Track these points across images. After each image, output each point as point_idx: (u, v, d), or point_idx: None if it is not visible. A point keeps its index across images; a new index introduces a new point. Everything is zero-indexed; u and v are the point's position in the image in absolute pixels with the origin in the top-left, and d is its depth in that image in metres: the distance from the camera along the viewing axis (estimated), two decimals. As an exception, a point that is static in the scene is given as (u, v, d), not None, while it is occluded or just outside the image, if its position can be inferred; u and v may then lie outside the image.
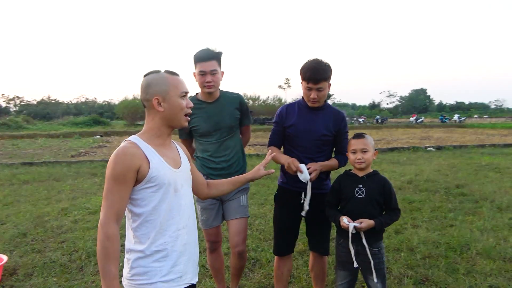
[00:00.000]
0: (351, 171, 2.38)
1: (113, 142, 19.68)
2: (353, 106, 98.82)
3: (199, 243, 1.80)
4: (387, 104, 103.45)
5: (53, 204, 6.05)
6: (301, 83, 2.44)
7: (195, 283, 1.68)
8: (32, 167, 10.15)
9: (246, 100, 2.85)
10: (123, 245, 1.63)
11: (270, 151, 2.22)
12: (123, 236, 1.61)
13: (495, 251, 3.77)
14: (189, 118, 1.66)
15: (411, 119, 45.67)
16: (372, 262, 2.24)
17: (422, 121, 43.39)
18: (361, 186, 2.28)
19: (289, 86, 74.51)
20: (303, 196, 2.49)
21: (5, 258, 3.28)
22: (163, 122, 1.59)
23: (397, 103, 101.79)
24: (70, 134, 25.23)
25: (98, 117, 40.05)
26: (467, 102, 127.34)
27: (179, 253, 1.58)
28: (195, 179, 1.83)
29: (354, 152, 2.29)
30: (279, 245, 2.69)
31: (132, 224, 1.55)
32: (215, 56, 2.50)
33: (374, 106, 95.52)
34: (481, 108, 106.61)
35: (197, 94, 2.68)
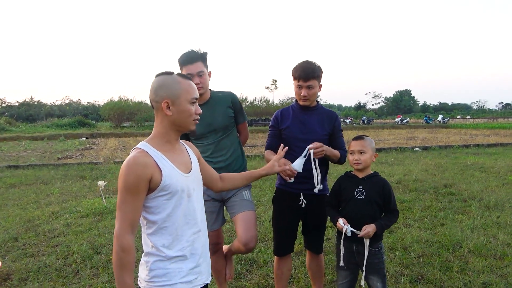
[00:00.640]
0: (352, 172, 2.42)
1: (99, 144, 19.44)
2: (339, 107, 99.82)
3: None
4: (373, 105, 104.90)
5: (42, 207, 5.95)
6: (293, 83, 2.53)
7: (208, 282, 1.70)
8: (18, 170, 9.96)
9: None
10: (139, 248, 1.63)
11: (282, 145, 2.17)
12: (139, 237, 1.63)
13: (486, 249, 3.87)
14: (197, 122, 1.64)
15: (397, 119, 46.35)
16: (365, 261, 2.28)
17: (407, 122, 44.12)
18: (360, 187, 2.32)
19: (276, 87, 74.79)
20: (301, 198, 2.54)
21: (-1, 263, 3.22)
22: (171, 126, 1.58)
23: (382, 104, 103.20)
24: (55, 136, 24.82)
25: (83, 119, 39.40)
26: (450, 103, 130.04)
27: (196, 255, 1.60)
28: (208, 174, 1.84)
29: (352, 153, 2.34)
30: (279, 246, 2.72)
31: (147, 231, 1.55)
32: (201, 57, 2.47)
33: (359, 107, 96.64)
34: (463, 109, 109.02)
35: None
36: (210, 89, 2.64)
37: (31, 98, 76.71)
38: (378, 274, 2.34)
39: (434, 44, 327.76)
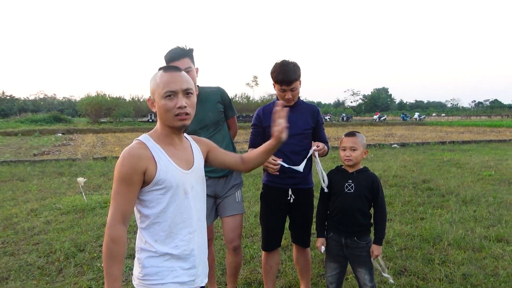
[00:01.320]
0: (342, 167, 2.46)
1: (77, 140, 18.99)
2: (319, 104, 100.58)
3: None
4: (351, 102, 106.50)
5: (20, 205, 5.78)
6: (274, 85, 2.54)
7: (204, 285, 1.66)
8: (-8, 167, 9.63)
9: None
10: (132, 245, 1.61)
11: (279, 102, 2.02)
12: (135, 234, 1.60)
13: (465, 242, 4.01)
14: (182, 118, 1.50)
15: (375, 117, 47.23)
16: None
17: (385, 119, 44.99)
18: (350, 181, 2.37)
19: (257, 84, 74.81)
20: (290, 193, 2.59)
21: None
22: (163, 122, 1.54)
23: (361, 101, 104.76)
24: (29, 132, 24.11)
25: (59, 114, 38.38)
26: (425, 101, 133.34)
27: (192, 256, 1.56)
28: (230, 160, 1.81)
29: (344, 149, 2.38)
30: (268, 241, 2.75)
31: (141, 224, 1.53)
32: (187, 54, 2.46)
33: (338, 104, 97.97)
34: (438, 107, 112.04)
35: None
36: (198, 85, 2.63)
37: (3, 93, 74.20)
38: (366, 266, 2.40)
39: (410, 43, 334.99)
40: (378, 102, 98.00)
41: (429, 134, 20.90)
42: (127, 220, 1.45)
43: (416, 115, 50.75)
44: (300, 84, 2.55)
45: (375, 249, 2.34)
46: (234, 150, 2.80)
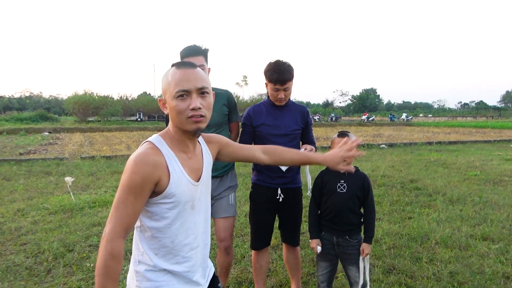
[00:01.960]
0: (333, 167, 2.49)
1: (64, 139, 18.73)
2: (308, 104, 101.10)
3: None
4: (340, 102, 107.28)
5: (6, 204, 5.69)
6: (266, 84, 2.56)
7: None
8: (-23, 166, 9.44)
9: None
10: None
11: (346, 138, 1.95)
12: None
13: (451, 240, 4.09)
14: (197, 120, 1.33)
15: (363, 117, 47.61)
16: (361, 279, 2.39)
17: (373, 120, 45.42)
18: (342, 181, 2.40)
19: (246, 83, 74.79)
20: (279, 192, 2.62)
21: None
22: (175, 125, 1.37)
23: (349, 102, 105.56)
24: (14, 130, 23.67)
25: (45, 113, 37.75)
26: (413, 102, 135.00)
27: (191, 273, 1.43)
28: (247, 154, 1.68)
29: None
30: (257, 239, 2.77)
31: (141, 234, 1.38)
32: (203, 52, 2.49)
33: (327, 105, 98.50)
34: (425, 108, 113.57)
35: None
36: None
37: (-13, 90, 72.58)
38: (357, 264, 2.43)
39: (398, 44, 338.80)
40: (366, 103, 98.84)
41: (416, 135, 21.18)
42: (128, 233, 1.28)
43: (404, 115, 51.38)
44: (292, 84, 2.58)
45: (366, 248, 2.37)
46: None
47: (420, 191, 6.59)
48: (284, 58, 2.54)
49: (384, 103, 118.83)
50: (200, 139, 1.55)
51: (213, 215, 2.72)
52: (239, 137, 2.75)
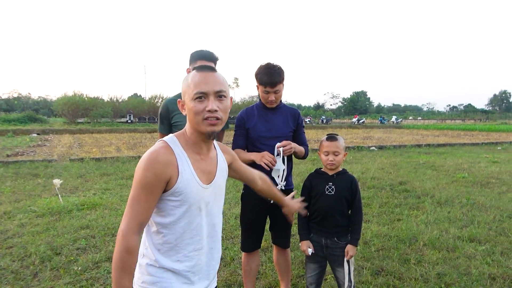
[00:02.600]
0: (321, 169, 2.50)
1: (52, 140, 18.52)
2: (299, 106, 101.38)
3: None
4: (331, 105, 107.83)
5: (-7, 207, 5.60)
6: (257, 87, 2.59)
7: None
8: (-37, 168, 9.28)
9: None
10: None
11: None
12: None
13: (439, 242, 4.14)
14: (212, 122, 1.37)
15: (354, 120, 47.92)
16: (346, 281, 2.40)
17: (363, 122, 45.73)
18: (331, 184, 2.41)
19: (237, 85, 74.69)
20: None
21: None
22: (192, 126, 1.41)
23: (340, 104, 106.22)
24: (2, 132, 23.30)
25: (34, 114, 37.32)
26: (402, 105, 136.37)
27: (192, 273, 1.45)
28: (248, 175, 1.80)
29: (326, 154, 2.41)
30: (248, 241, 2.77)
31: (147, 228, 1.44)
32: (215, 59, 2.61)
33: (318, 107, 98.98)
34: (415, 110, 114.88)
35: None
36: None
37: (-26, 91, 71.49)
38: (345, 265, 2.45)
39: (389, 47, 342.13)
40: (357, 105, 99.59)
41: (406, 137, 21.39)
42: (142, 229, 1.34)
43: (394, 118, 51.97)
44: (283, 86, 2.60)
45: (350, 250, 2.38)
46: None
47: (409, 193, 6.65)
48: (275, 61, 2.57)
49: (375, 105, 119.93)
50: (217, 146, 1.60)
51: None
52: (232, 140, 2.73)
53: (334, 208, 2.39)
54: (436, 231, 4.48)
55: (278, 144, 2.50)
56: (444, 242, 4.15)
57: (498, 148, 15.58)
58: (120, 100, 43.06)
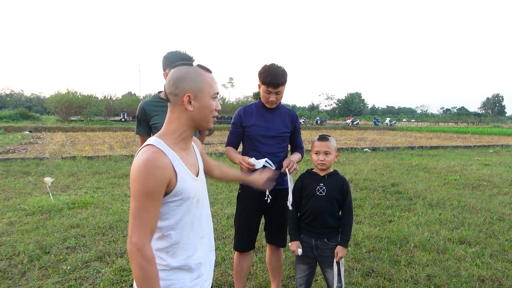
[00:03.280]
0: (313, 170, 2.50)
1: (45, 138, 18.36)
2: (293, 107, 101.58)
3: None
4: (325, 106, 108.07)
5: (-18, 205, 5.53)
6: (259, 86, 2.60)
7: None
8: (-48, 165, 9.16)
9: None
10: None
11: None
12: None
13: (430, 244, 4.16)
14: (215, 120, 1.50)
15: (348, 121, 48.10)
16: (335, 281, 2.39)
17: (357, 124, 45.94)
18: (322, 184, 2.41)
19: (232, 85, 74.61)
20: (267, 193, 2.62)
21: None
22: (190, 123, 1.43)
23: (335, 105, 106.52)
24: (-7, 129, 23.07)
25: (26, 111, 36.89)
26: (396, 107, 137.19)
27: (200, 265, 1.49)
28: (208, 163, 1.81)
29: (317, 153, 2.41)
30: (242, 241, 2.76)
31: None
32: (192, 61, 2.55)
33: (313, 108, 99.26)
34: (408, 113, 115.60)
35: (159, 92, 2.65)
36: None
37: (-34, 87, 70.70)
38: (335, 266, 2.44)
39: (384, 49, 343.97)
40: (351, 107, 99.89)
41: (399, 139, 21.49)
42: (152, 236, 1.34)
43: (387, 120, 52.24)
44: (284, 89, 2.62)
45: (340, 251, 2.38)
46: None
47: (401, 195, 6.68)
48: (269, 61, 2.58)
49: (369, 107, 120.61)
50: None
51: None
52: (227, 136, 2.77)
53: (324, 209, 2.39)
54: (427, 233, 4.50)
55: (284, 169, 2.55)
56: (434, 244, 4.17)
57: (490, 151, 15.71)
58: (114, 99, 42.79)
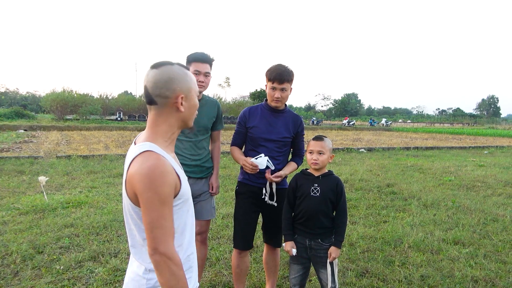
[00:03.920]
0: (308, 170, 2.50)
1: (40, 137, 18.25)
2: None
3: None
4: (322, 106, 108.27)
5: (-25, 204, 5.49)
6: (266, 84, 2.62)
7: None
8: None
9: None
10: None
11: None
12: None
13: (424, 244, 4.17)
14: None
15: (344, 121, 48.12)
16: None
17: (353, 124, 46.03)
18: (316, 185, 2.41)
19: (229, 85, 74.50)
20: (264, 192, 2.64)
21: None
22: (179, 124, 1.40)
23: (331, 106, 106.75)
24: (-12, 127, 22.91)
25: (22, 110, 36.61)
26: (392, 107, 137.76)
27: (194, 265, 1.49)
28: None
29: (311, 153, 2.42)
30: (241, 238, 2.76)
31: (144, 247, 1.37)
32: (210, 61, 2.71)
33: (309, 108, 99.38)
34: (404, 113, 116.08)
35: None
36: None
37: (-40, 85, 70.16)
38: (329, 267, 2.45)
39: (380, 50, 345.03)
40: (347, 107, 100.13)
41: (394, 140, 21.56)
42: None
43: (383, 120, 52.37)
44: (291, 90, 2.64)
45: (333, 251, 2.38)
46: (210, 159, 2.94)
47: (396, 195, 6.70)
48: (266, 61, 2.69)
49: (365, 108, 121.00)
50: None
51: (198, 217, 2.73)
52: (232, 136, 2.85)
53: (318, 210, 2.39)
54: (421, 234, 4.52)
55: (273, 182, 2.59)
56: (428, 244, 4.18)
57: (485, 152, 15.79)
58: (110, 97, 42.57)
